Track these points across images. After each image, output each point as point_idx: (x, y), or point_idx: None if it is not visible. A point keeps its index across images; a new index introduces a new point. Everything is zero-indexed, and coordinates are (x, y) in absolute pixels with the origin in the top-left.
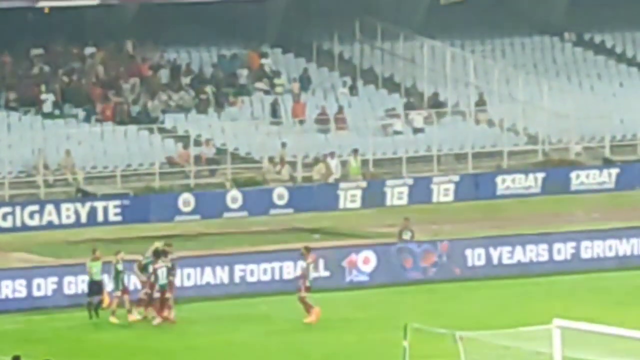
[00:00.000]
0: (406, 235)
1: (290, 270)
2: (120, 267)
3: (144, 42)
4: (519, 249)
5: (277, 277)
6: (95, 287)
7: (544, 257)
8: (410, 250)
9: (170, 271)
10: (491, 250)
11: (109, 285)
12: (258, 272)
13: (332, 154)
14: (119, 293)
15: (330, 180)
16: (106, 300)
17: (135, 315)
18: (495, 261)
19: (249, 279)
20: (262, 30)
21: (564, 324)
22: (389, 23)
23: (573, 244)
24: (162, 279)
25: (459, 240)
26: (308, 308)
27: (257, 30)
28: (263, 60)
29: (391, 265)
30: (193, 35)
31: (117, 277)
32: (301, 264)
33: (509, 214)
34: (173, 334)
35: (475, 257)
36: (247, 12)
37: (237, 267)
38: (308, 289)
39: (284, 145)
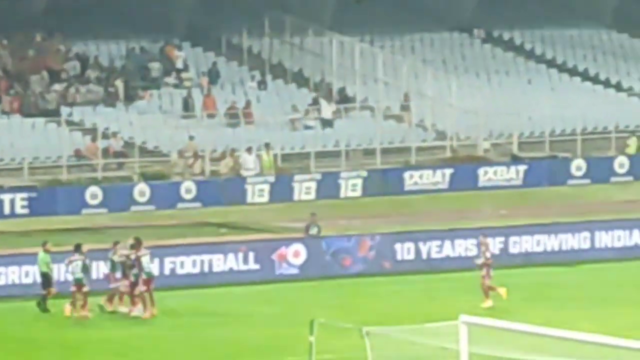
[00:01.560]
0: (313, 231)
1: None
2: (116, 258)
3: (52, 34)
4: (427, 244)
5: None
6: (45, 279)
7: (450, 253)
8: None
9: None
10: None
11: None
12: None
13: (249, 149)
14: (126, 282)
15: (248, 175)
16: (52, 291)
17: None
18: (404, 257)
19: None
20: (172, 24)
21: (470, 320)
22: (298, 18)
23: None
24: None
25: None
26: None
27: (167, 23)
28: (173, 54)
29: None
30: (102, 27)
31: (114, 267)
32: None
33: (417, 210)
34: (83, 326)
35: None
36: (157, 5)
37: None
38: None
39: (191, 138)
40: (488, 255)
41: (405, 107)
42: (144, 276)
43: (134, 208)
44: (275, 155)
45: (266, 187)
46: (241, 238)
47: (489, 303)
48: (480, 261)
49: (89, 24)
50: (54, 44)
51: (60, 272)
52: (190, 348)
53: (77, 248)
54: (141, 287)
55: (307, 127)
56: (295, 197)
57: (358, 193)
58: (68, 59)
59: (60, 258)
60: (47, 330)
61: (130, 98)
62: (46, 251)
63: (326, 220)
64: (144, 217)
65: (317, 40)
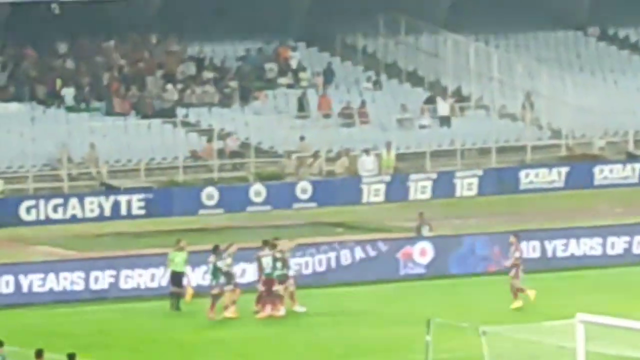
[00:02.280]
0: (425, 230)
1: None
2: (227, 260)
3: (167, 36)
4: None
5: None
6: (177, 278)
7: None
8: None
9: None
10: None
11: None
12: None
13: (367, 150)
14: (230, 286)
15: (367, 175)
16: (189, 292)
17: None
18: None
19: None
20: (286, 25)
21: (587, 318)
22: (413, 17)
23: (599, 239)
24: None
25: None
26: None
27: (281, 24)
28: (288, 54)
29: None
30: (217, 29)
31: (215, 272)
32: None
33: (533, 209)
34: (201, 326)
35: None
36: (271, 6)
37: None
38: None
39: (302, 138)
40: (517, 255)
41: (525, 106)
42: (262, 277)
43: (249, 208)
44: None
45: (382, 187)
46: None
47: (518, 303)
48: (509, 262)
49: (203, 25)
50: (169, 46)
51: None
52: (309, 348)
53: (216, 249)
54: (260, 287)
55: (422, 127)
56: (411, 196)
57: (473, 192)
58: (183, 60)
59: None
60: (167, 331)
61: (245, 99)
62: (180, 249)
63: (441, 220)
64: (260, 218)
65: (431, 40)
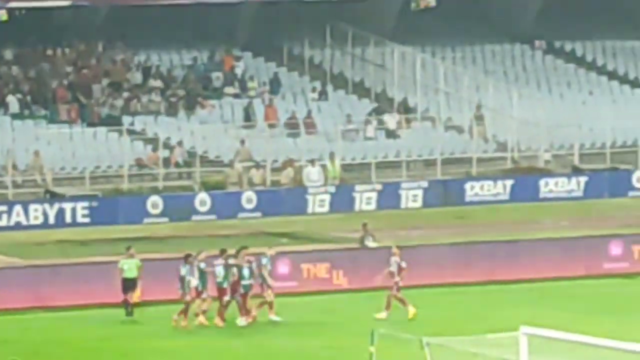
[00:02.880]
0: (368, 241)
1: None
2: (202, 266)
3: (114, 44)
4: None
5: None
6: (128, 285)
7: (511, 264)
8: None
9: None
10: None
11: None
12: None
13: (312, 161)
14: (205, 294)
15: (313, 186)
16: (136, 294)
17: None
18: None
19: None
20: (233, 34)
21: (530, 331)
22: (360, 28)
23: (542, 250)
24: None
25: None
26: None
27: (228, 33)
28: (234, 64)
29: None
30: (164, 37)
31: (202, 277)
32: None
33: (478, 221)
34: (142, 335)
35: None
36: (218, 15)
37: None
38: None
39: (243, 142)
40: (404, 265)
41: (479, 119)
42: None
43: (195, 218)
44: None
45: (327, 198)
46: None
47: (382, 315)
48: (391, 269)
49: (150, 33)
50: (116, 54)
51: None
52: (252, 358)
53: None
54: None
55: (368, 138)
56: (356, 207)
57: (419, 204)
58: (129, 69)
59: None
60: (112, 339)
61: (191, 108)
62: (131, 256)
63: (386, 231)
64: (205, 227)
65: (378, 51)
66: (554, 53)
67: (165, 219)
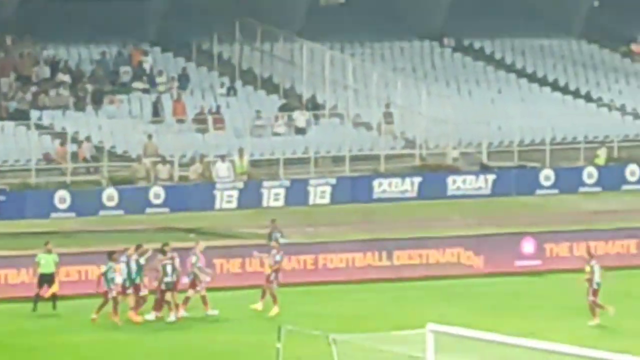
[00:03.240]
0: (277, 237)
1: None
2: (142, 261)
3: (22, 38)
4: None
5: None
6: (45, 280)
7: (419, 262)
8: None
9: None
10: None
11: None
12: None
13: (222, 157)
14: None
15: (222, 182)
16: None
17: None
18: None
19: None
20: (142, 29)
21: (437, 328)
22: (269, 24)
23: (451, 247)
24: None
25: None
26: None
27: (137, 28)
28: (143, 59)
29: None
30: (72, 31)
31: (139, 272)
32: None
33: (385, 218)
34: (47, 330)
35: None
36: (127, 9)
37: None
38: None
39: (150, 137)
40: (278, 259)
41: (388, 117)
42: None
43: (102, 212)
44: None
45: (235, 193)
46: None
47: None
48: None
49: (59, 27)
50: (24, 47)
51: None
52: (158, 353)
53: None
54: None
55: (276, 134)
56: (264, 203)
57: (326, 200)
58: (38, 63)
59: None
60: (18, 335)
61: (99, 103)
62: (48, 251)
63: (294, 227)
64: (112, 222)
65: (287, 47)
66: (463, 50)
67: (73, 214)
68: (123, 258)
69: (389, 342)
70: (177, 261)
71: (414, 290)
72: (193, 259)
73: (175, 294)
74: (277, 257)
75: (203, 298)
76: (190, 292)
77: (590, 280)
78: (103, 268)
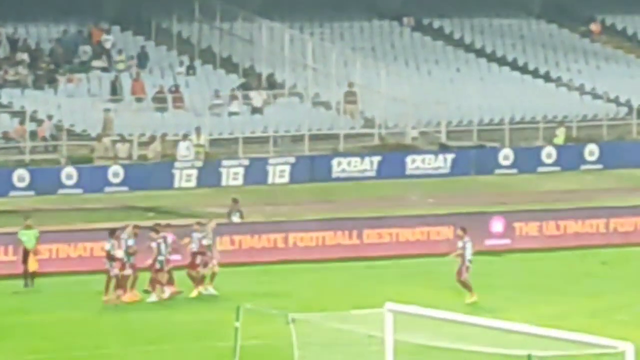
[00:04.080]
0: (235, 217)
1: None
2: (131, 242)
3: None
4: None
5: None
6: (27, 256)
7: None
8: None
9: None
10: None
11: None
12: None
13: (184, 136)
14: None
15: (181, 160)
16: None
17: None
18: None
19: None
20: (101, 7)
21: (395, 307)
22: (228, 3)
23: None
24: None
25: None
26: None
27: (96, 6)
28: (102, 37)
29: None
30: (31, 9)
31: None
32: None
33: (344, 197)
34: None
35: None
36: None
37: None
38: None
39: (107, 111)
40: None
41: (350, 97)
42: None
43: (61, 191)
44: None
45: (194, 172)
46: None
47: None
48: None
49: (18, 6)
50: None
51: None
52: (118, 332)
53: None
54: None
55: (233, 113)
56: (223, 182)
57: (286, 179)
58: None
59: None
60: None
61: (58, 81)
62: (28, 227)
63: (253, 207)
64: (71, 201)
65: (246, 26)
66: (422, 30)
67: (31, 192)
68: (123, 235)
69: (348, 321)
70: (169, 240)
71: (373, 269)
72: (205, 238)
73: (164, 273)
74: (205, 242)
75: (212, 275)
76: (204, 271)
77: (462, 257)
78: (107, 246)
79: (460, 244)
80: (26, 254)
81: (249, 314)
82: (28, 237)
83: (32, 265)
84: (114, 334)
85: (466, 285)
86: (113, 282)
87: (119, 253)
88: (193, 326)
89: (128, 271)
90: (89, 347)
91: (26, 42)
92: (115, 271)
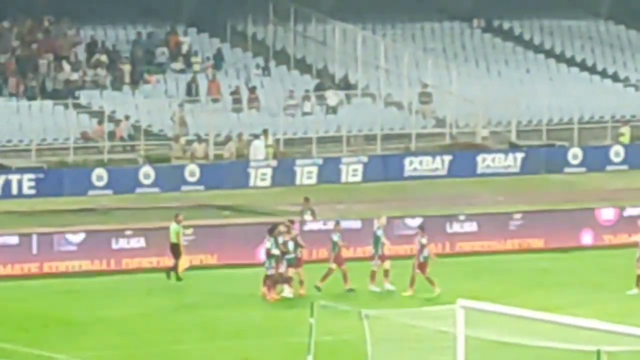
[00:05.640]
0: (307, 215)
1: None
2: (379, 233)
3: (61, 19)
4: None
5: None
6: (173, 249)
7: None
8: None
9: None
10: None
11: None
12: None
13: (258, 136)
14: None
15: (256, 159)
16: (183, 264)
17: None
18: None
19: None
20: (178, 10)
21: (467, 304)
22: (302, 5)
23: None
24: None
25: None
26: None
27: (173, 9)
28: (178, 40)
29: None
30: (110, 12)
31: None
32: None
33: (416, 195)
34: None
35: None
36: None
37: None
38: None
39: (181, 105)
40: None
41: (424, 97)
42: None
43: (138, 190)
44: (277, 140)
45: (268, 171)
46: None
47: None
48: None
49: (96, 8)
50: (62, 29)
51: None
52: (196, 328)
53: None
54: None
55: (306, 113)
56: (297, 181)
57: (359, 178)
58: (76, 43)
59: None
60: (56, 309)
61: (136, 82)
62: (178, 222)
63: (326, 205)
64: (149, 199)
65: (319, 28)
66: (492, 31)
67: (110, 191)
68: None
69: (420, 317)
70: (299, 238)
71: (443, 267)
72: (379, 233)
73: (300, 270)
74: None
75: (386, 272)
76: (384, 264)
77: (419, 254)
78: (268, 244)
79: (421, 241)
80: (171, 247)
81: (322, 310)
82: (174, 231)
83: (184, 262)
84: (192, 330)
85: (430, 280)
86: (273, 280)
87: (276, 251)
88: (269, 322)
89: (283, 269)
90: (166, 343)
91: (104, 44)
92: (272, 270)
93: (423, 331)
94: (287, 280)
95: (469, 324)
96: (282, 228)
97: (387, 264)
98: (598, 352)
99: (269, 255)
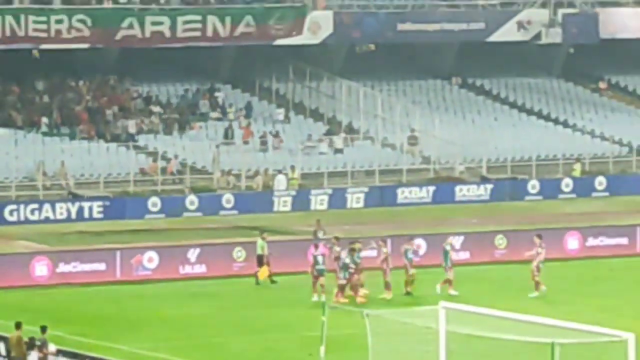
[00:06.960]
0: (320, 234)
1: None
2: (448, 247)
3: (124, 78)
4: None
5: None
6: (259, 259)
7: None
8: None
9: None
10: None
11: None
12: None
13: (280, 171)
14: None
15: (278, 190)
16: (264, 271)
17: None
18: None
19: None
20: (217, 71)
21: (448, 305)
22: (315, 67)
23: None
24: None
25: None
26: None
27: (213, 70)
28: (217, 94)
29: None
30: (162, 73)
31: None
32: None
33: (407, 218)
34: (142, 306)
35: None
36: (205, 55)
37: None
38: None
39: (217, 147)
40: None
41: (412, 140)
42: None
43: (185, 214)
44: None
45: (289, 199)
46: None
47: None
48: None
49: (152, 69)
50: (125, 85)
51: None
52: (230, 324)
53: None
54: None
55: (320, 153)
56: (312, 207)
57: (361, 205)
58: (135, 97)
59: None
60: (120, 310)
61: (183, 128)
62: (263, 239)
63: (335, 226)
64: (194, 222)
65: (329, 85)
66: (467, 87)
67: (162, 215)
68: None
69: (411, 316)
70: (340, 252)
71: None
72: (447, 248)
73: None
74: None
75: (448, 282)
76: (448, 273)
77: (387, 262)
78: (346, 259)
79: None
80: (257, 257)
81: (332, 310)
82: (260, 245)
83: (263, 270)
84: (229, 326)
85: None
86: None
87: (352, 265)
88: (288, 320)
89: (342, 281)
90: (206, 336)
91: (158, 97)
92: (344, 281)
93: (413, 327)
94: (359, 285)
95: (450, 321)
96: (357, 245)
97: (450, 274)
98: (552, 344)
99: (344, 267)
